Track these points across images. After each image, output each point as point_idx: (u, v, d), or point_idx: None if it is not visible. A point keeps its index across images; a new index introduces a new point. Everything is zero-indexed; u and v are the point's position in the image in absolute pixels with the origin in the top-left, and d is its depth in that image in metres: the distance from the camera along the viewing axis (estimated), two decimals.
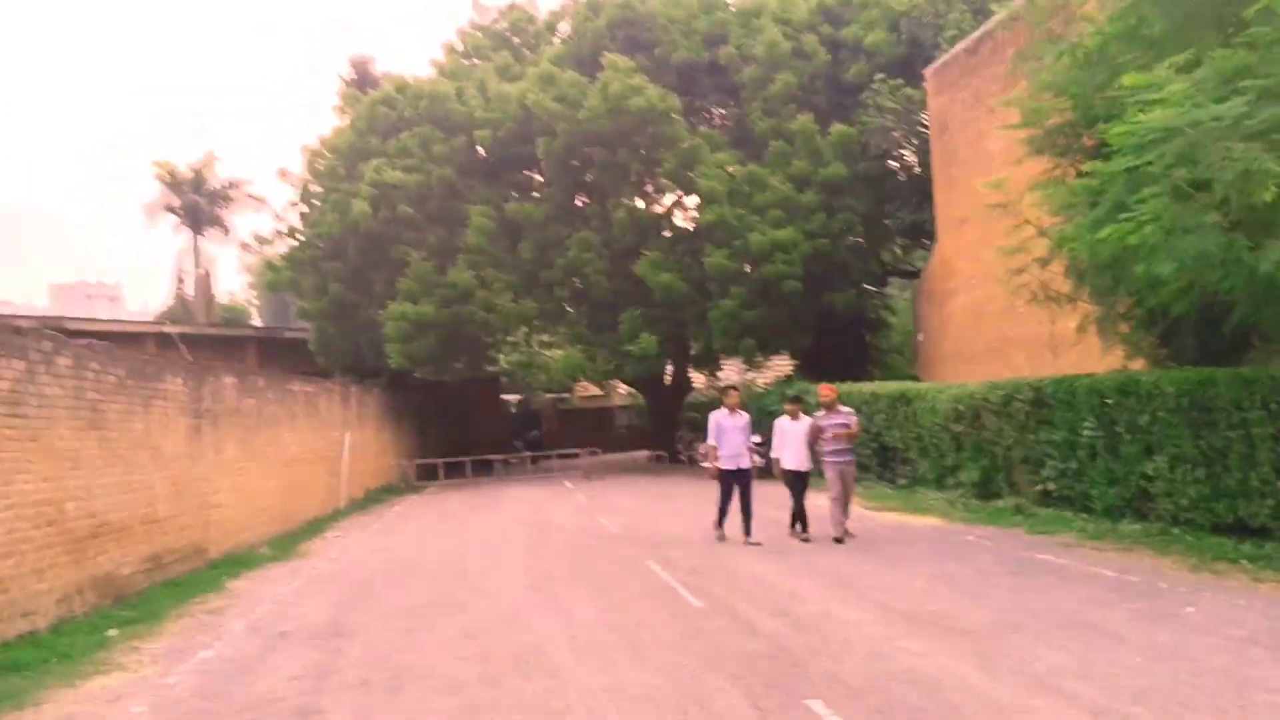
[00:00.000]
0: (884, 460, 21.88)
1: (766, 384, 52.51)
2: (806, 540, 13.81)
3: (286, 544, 16.91)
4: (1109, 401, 13.88)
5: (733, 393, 15.11)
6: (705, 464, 27.04)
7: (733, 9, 31.71)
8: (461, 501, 24.72)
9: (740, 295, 27.28)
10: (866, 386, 22.74)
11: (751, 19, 30.59)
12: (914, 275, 34.98)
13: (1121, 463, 13.69)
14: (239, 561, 14.61)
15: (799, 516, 14.38)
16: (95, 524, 10.97)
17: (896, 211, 28.00)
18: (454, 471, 31.56)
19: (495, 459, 32.60)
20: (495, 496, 25.57)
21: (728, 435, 14.20)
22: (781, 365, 50.76)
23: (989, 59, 23.32)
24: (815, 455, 14.88)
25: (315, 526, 19.62)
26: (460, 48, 35.41)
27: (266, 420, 17.83)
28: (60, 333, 10.90)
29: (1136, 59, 11.23)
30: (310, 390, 21.57)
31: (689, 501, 20.90)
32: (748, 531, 13.90)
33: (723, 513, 14.33)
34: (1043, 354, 21.57)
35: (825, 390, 15.19)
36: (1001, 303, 23.32)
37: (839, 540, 13.45)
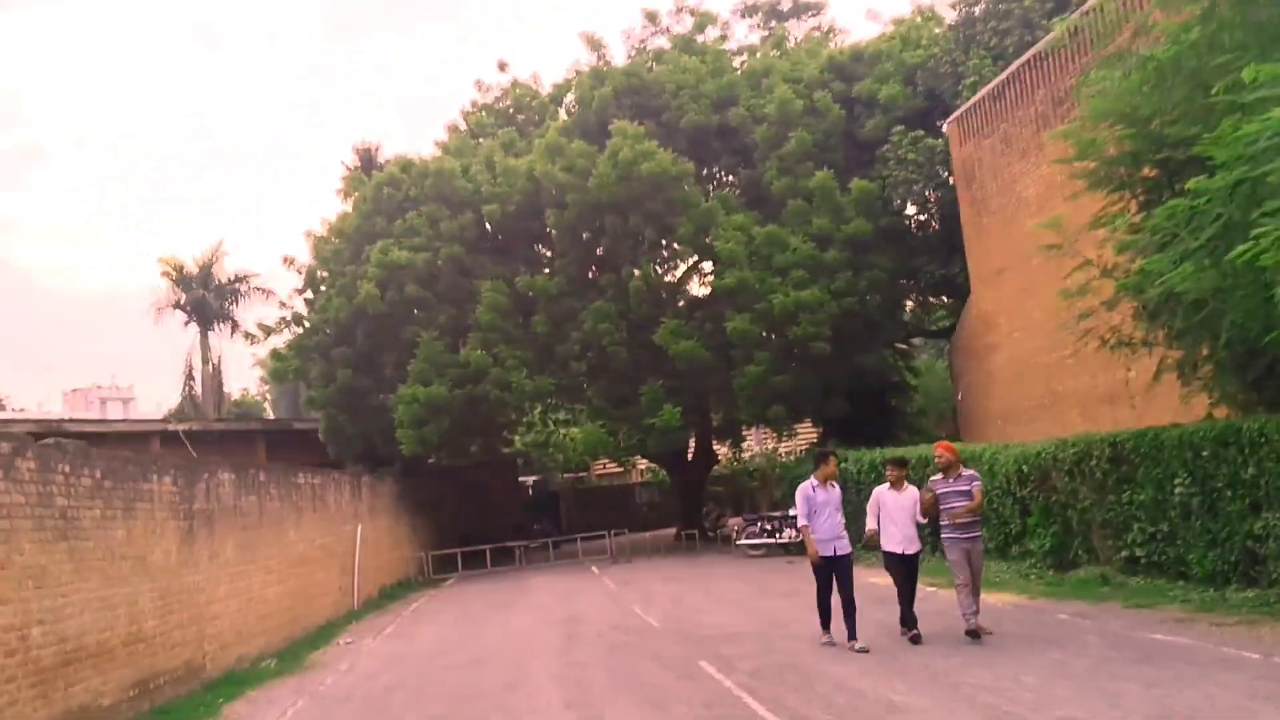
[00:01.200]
0: (936, 530, 20.26)
1: (787, 452, 51.36)
2: (917, 640, 11.00)
3: (295, 654, 15.39)
4: (1204, 454, 12.37)
5: (830, 460, 12.04)
6: (778, 546, 25.36)
7: (740, 71, 30.92)
8: (483, 596, 23.15)
9: (766, 360, 25.94)
10: (915, 450, 21.21)
11: (760, 79, 29.73)
12: (938, 335, 33.65)
13: (1222, 522, 12.16)
14: (239, 680, 13.11)
15: (908, 612, 11.38)
16: (67, 649, 9.54)
17: (924, 266, 26.74)
18: (473, 561, 29.98)
19: (515, 545, 31.01)
20: (518, 588, 23.99)
21: (822, 513, 11.48)
22: (804, 433, 49.48)
23: (1017, 101, 22.24)
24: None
25: (327, 632, 18.08)
26: (463, 127, 34.68)
27: (269, 518, 16.43)
28: (60, 436, 9.59)
29: (1223, 65, 10.00)
30: (317, 482, 20.18)
31: (730, 585, 19.32)
32: (852, 634, 11.11)
33: (824, 609, 11.65)
34: (1099, 408, 20.12)
35: (943, 451, 11.97)
36: (1050, 355, 21.99)
37: (974, 636, 10.71)
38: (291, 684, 12.91)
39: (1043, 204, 21.50)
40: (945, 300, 28.31)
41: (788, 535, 25.18)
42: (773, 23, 34.09)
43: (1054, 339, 21.71)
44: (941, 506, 11.43)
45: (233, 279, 54.72)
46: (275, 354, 32.33)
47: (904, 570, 11.52)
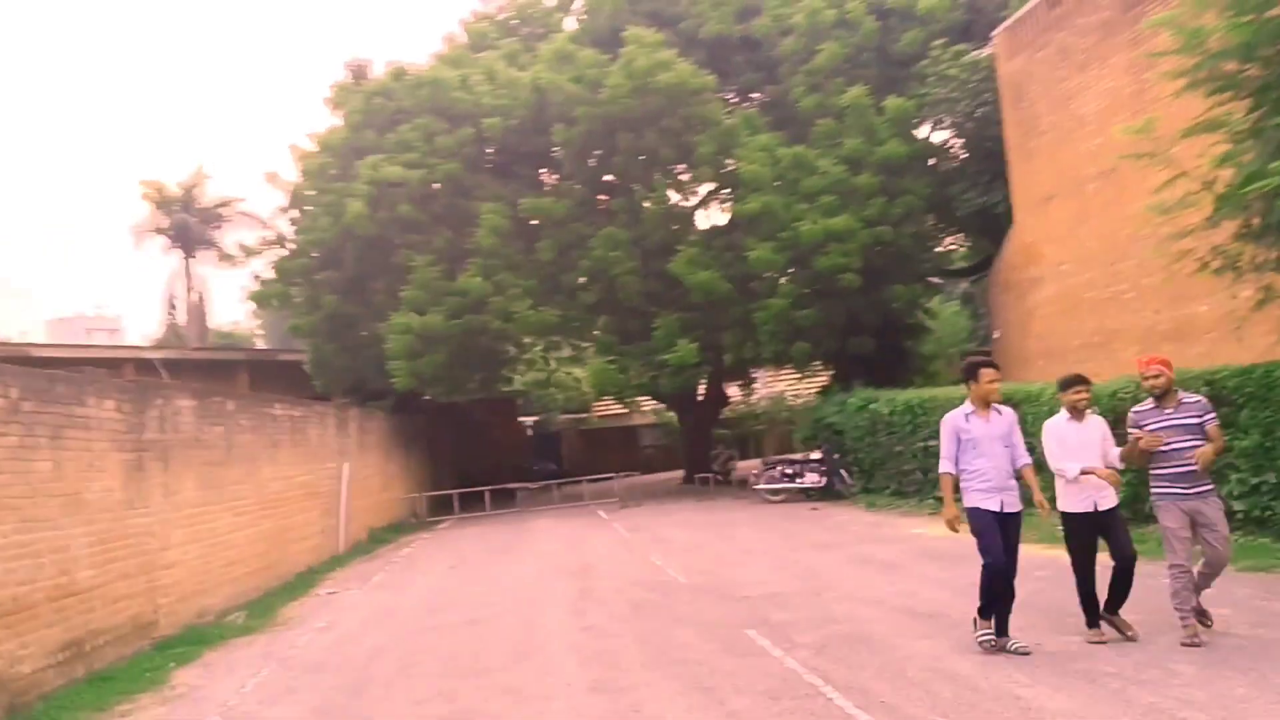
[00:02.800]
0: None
1: (795, 395, 49.50)
2: (1101, 640, 7.63)
3: (267, 606, 13.53)
4: None
5: (985, 374, 8.15)
6: (799, 491, 23.34)
7: None
8: (481, 540, 21.32)
9: (791, 293, 23.91)
10: (957, 390, 19.25)
11: None
12: (957, 274, 31.50)
13: None
14: (199, 637, 11.23)
15: (1090, 594, 7.87)
16: None
17: (962, 194, 24.59)
18: (470, 503, 28.16)
19: (516, 487, 29.15)
20: (520, 532, 22.17)
21: (979, 450, 7.88)
22: (803, 379, 47.47)
23: (1077, 8, 19.97)
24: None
25: (307, 580, 16.23)
26: (463, 39, 32.15)
27: (240, 452, 14.47)
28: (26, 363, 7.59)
29: None
30: (298, 414, 18.23)
31: (755, 534, 17.44)
32: (1003, 627, 7.78)
33: (995, 594, 7.74)
34: (1161, 346, 18.07)
35: (1160, 367, 7.85)
36: (1104, 289, 19.94)
37: (1192, 635, 7.29)
38: (259, 644, 11.04)
39: (1104, 121, 19.33)
40: (977, 235, 26.13)
41: (809, 480, 23.37)
42: None
43: (1109, 271, 19.70)
44: (1152, 447, 7.62)
45: (217, 203, 52.42)
46: (256, 278, 30.22)
47: (1093, 535, 7.84)
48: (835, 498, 22.73)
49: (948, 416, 8.25)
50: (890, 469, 21.35)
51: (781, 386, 48.81)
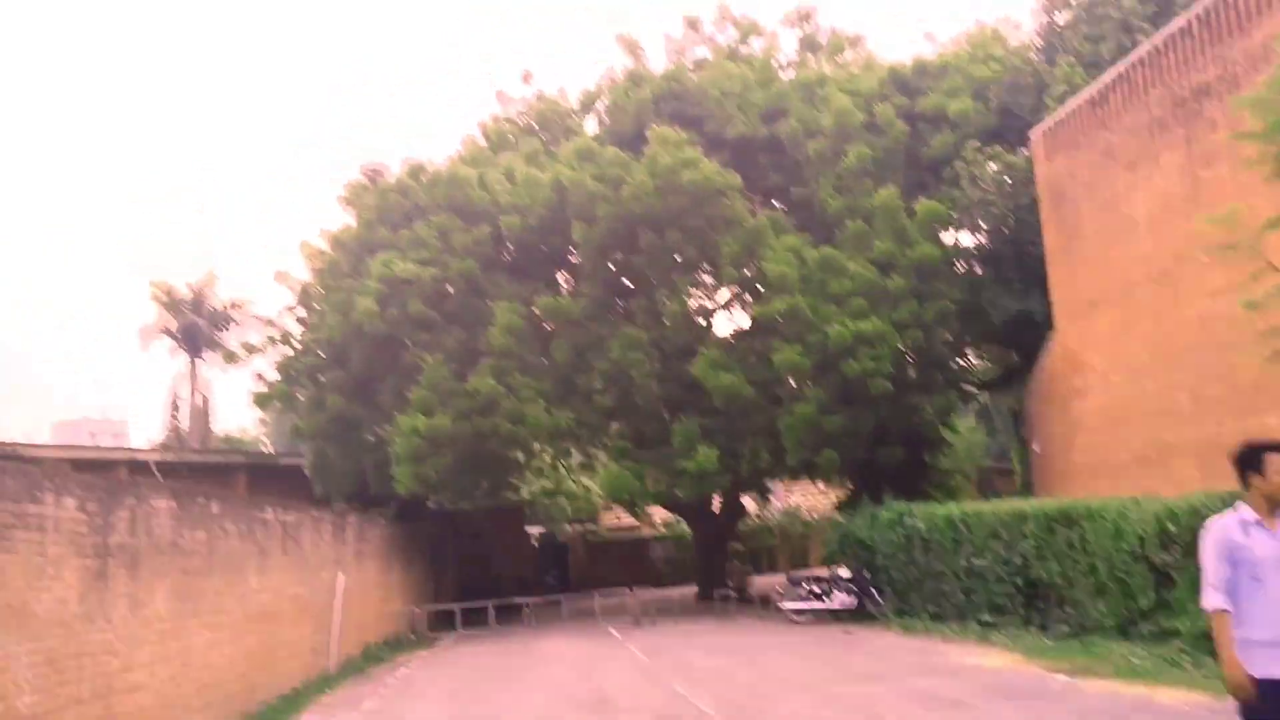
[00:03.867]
0: (1030, 600, 16.92)
1: (813, 510, 47.83)
2: None
3: None
4: None
5: None
6: (827, 612, 21.59)
7: (790, 82, 27.91)
8: (484, 661, 19.70)
9: (819, 398, 22.70)
10: (1007, 504, 17.88)
11: (814, 90, 26.76)
12: (989, 385, 30.21)
13: None
14: None
15: None
16: None
17: (998, 300, 23.55)
18: (473, 618, 26.52)
19: (523, 601, 27.49)
20: (527, 653, 20.55)
21: (1267, 584, 5.12)
22: (808, 491, 45.84)
23: (1124, 106, 19.19)
24: None
25: (292, 703, 14.65)
26: (482, 141, 31.59)
27: (224, 560, 13.11)
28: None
29: None
30: (291, 520, 16.86)
31: (787, 661, 15.87)
32: None
33: None
34: (1222, 463, 16.84)
35: None
36: (1156, 400, 18.68)
37: None
38: None
39: (1156, 223, 18.40)
40: (1011, 344, 24.94)
41: (838, 601, 21.79)
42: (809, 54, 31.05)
43: (1163, 381, 18.46)
44: None
45: (227, 305, 51.79)
46: (260, 377, 29.12)
47: None
48: (866, 619, 21.13)
49: (1214, 526, 5.36)
50: (928, 589, 19.80)
51: (796, 500, 47.25)
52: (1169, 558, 13.25)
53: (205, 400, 52.84)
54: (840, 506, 29.33)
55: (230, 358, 31.74)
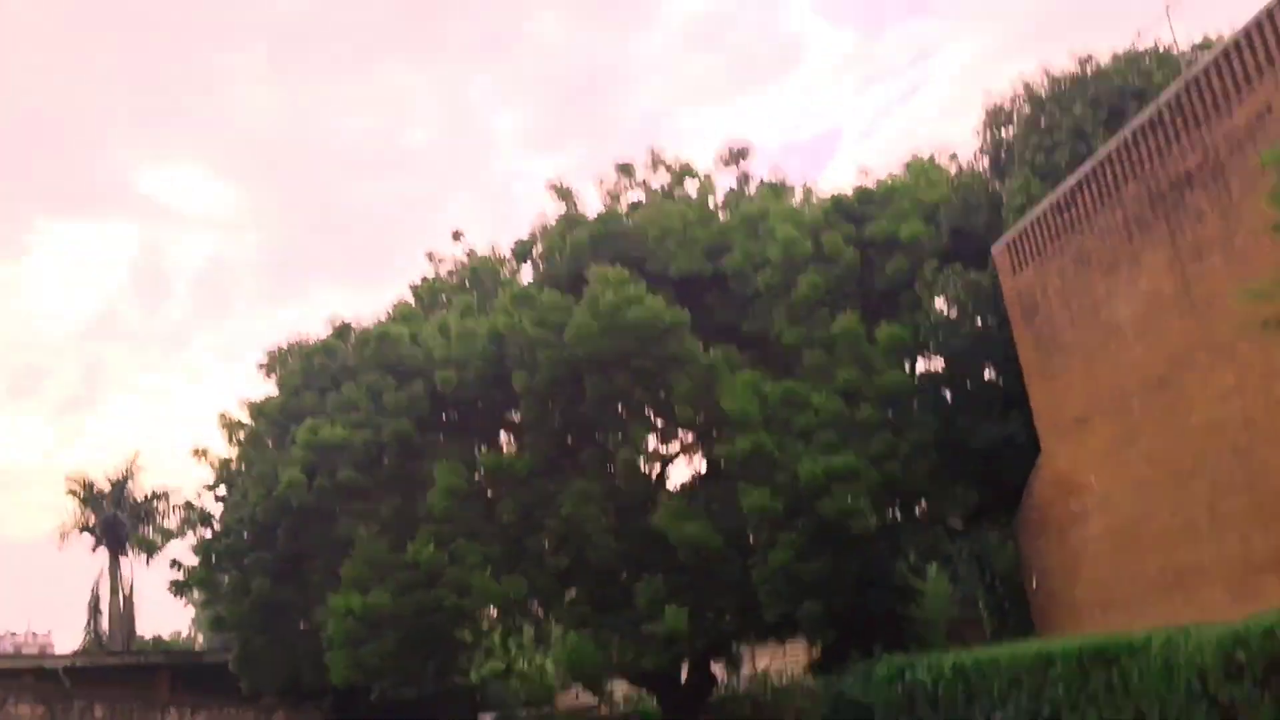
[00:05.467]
0: None
1: (779, 673, 44.93)
2: None
3: None
4: None
5: None
6: None
7: (731, 217, 26.84)
8: None
9: (793, 543, 20.73)
10: (1028, 646, 15.86)
11: (757, 224, 25.65)
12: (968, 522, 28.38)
13: None
14: None
15: None
16: None
17: (976, 426, 22.03)
18: None
19: None
20: None
21: None
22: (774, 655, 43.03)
23: (1095, 207, 18.19)
24: None
25: None
26: (413, 302, 29.92)
27: None
28: None
29: None
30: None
31: None
32: None
33: None
34: (1259, 580, 15.05)
35: None
36: (1168, 518, 17.05)
37: None
38: None
39: (1144, 327, 17.15)
40: (993, 475, 23.32)
41: None
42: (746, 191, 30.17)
43: (1173, 497, 16.86)
44: None
45: (149, 496, 48.76)
46: (174, 563, 26.43)
47: None
48: None
49: None
50: None
51: (763, 664, 44.50)
52: (1237, 692, 11.33)
53: (128, 599, 49.25)
54: (814, 668, 26.97)
55: (147, 546, 29.03)
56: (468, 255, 30.26)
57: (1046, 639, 16.44)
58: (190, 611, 52.41)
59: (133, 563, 47.67)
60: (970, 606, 39.22)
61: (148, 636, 54.78)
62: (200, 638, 59.35)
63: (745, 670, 41.93)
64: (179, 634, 62.87)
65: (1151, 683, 12.69)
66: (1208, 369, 15.79)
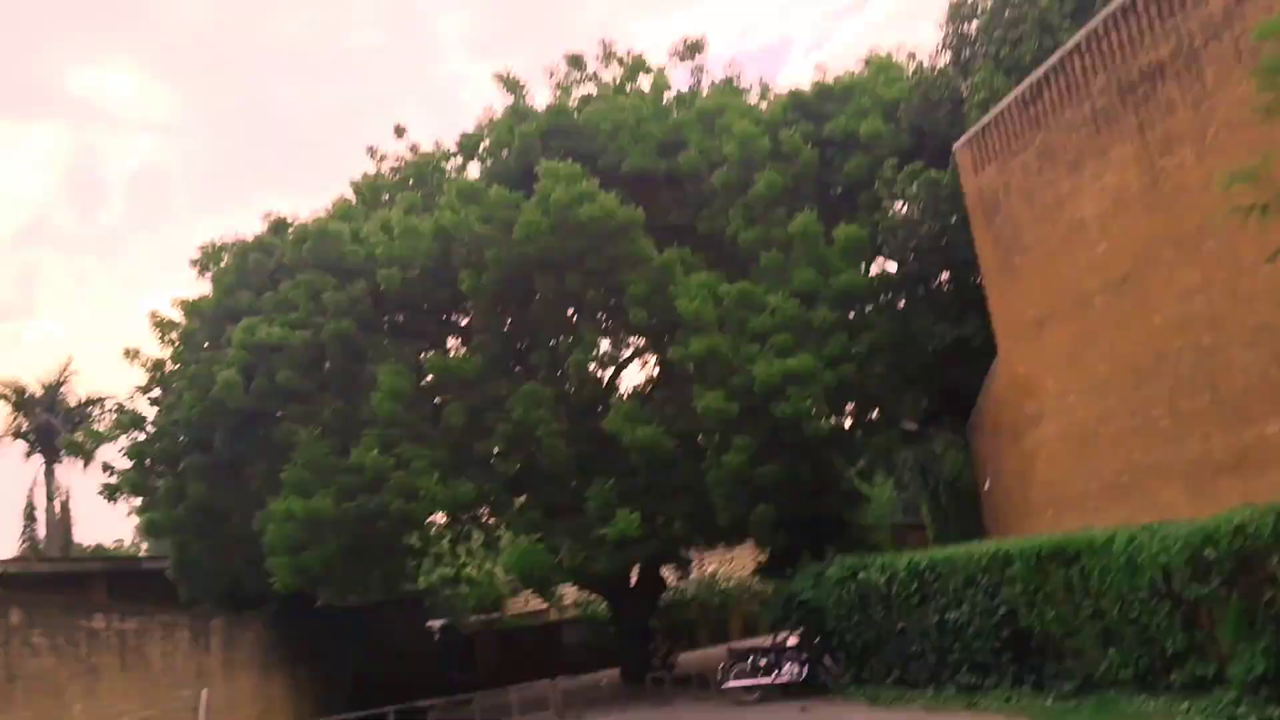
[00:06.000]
0: (1019, 655, 14.64)
1: (726, 578, 45.23)
2: None
3: None
4: None
5: None
6: (776, 688, 18.92)
7: (686, 112, 25.89)
8: None
9: (747, 447, 20.33)
10: (985, 546, 15.64)
11: (713, 119, 24.83)
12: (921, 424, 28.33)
13: None
14: None
15: None
16: None
17: (932, 327, 21.66)
18: None
19: (429, 704, 24.09)
20: None
21: None
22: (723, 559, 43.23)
23: (1062, 101, 17.54)
24: None
25: None
26: (354, 200, 28.66)
27: (30, 685, 9.98)
28: None
29: None
30: (133, 627, 13.71)
31: None
32: None
33: None
34: (1218, 481, 14.83)
35: None
36: (1126, 420, 16.86)
37: None
38: None
39: (1108, 224, 16.68)
40: (951, 374, 23.07)
41: (787, 673, 19.25)
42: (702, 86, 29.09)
43: (1133, 397, 16.56)
44: None
45: (84, 402, 47.42)
46: (105, 467, 25.48)
47: None
48: (820, 692, 18.65)
49: None
50: (890, 653, 17.43)
51: (711, 567, 44.67)
52: (1204, 590, 11.10)
53: (64, 506, 48.19)
54: (761, 571, 26.91)
55: (75, 449, 27.99)
56: (411, 151, 29.06)
57: (1000, 540, 16.17)
58: (135, 520, 51.53)
59: (69, 470, 46.71)
60: (912, 512, 39.65)
61: (88, 545, 53.76)
62: (145, 546, 58.56)
63: (693, 575, 42.15)
64: (121, 543, 61.83)
65: (1114, 581, 12.48)
66: (1173, 265, 15.38)
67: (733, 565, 44.01)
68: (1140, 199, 15.95)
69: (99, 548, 55.42)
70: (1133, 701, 12.15)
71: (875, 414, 22.08)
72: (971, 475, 28.37)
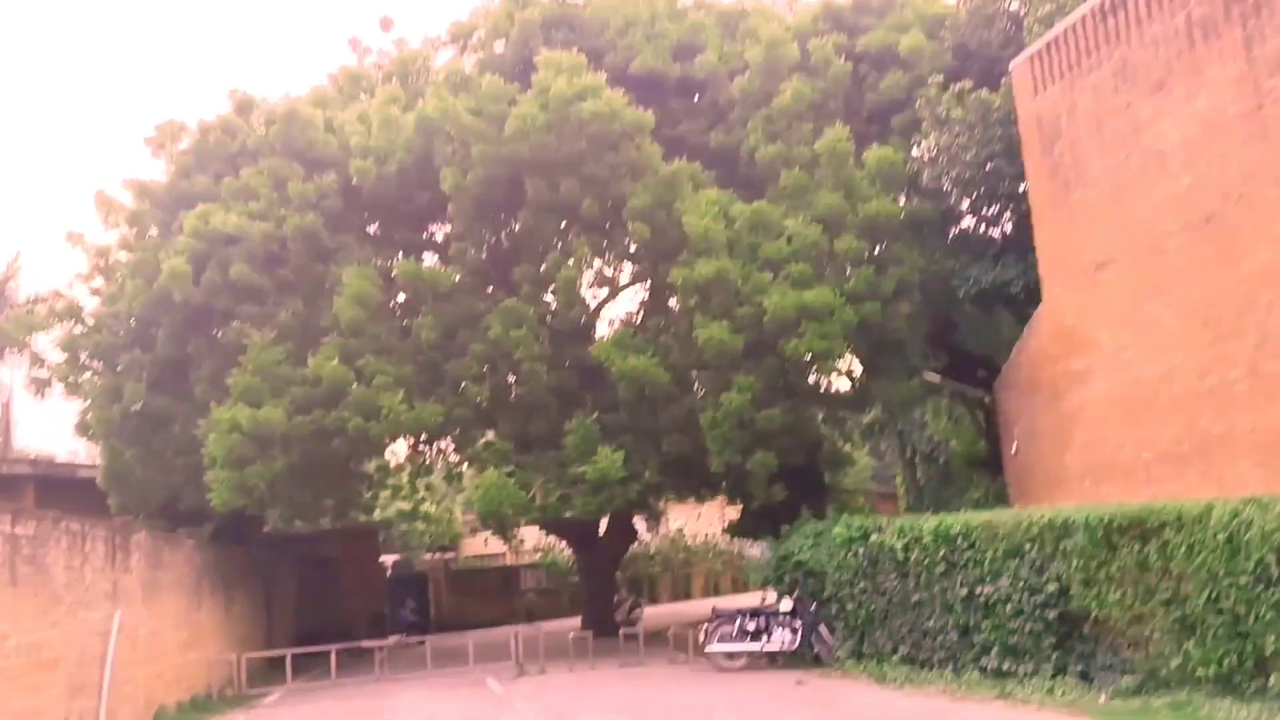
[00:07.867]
0: (1063, 640, 12.60)
1: (695, 535, 43.37)
2: None
3: None
4: None
5: None
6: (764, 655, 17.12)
7: (706, 13, 23.32)
8: None
9: (750, 387, 18.10)
10: (1039, 513, 13.47)
11: (736, 22, 22.38)
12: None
13: None
14: None
15: None
16: None
17: (967, 270, 19.42)
18: (311, 665, 21.01)
19: (374, 645, 21.94)
20: (377, 714, 15.34)
21: None
22: (689, 514, 41.29)
23: (1151, 11, 15.19)
24: None
25: None
26: (333, 90, 25.94)
27: None
28: None
29: None
30: (30, 534, 11.43)
31: None
32: None
33: None
34: None
35: None
36: (1194, 381, 14.70)
37: None
38: None
39: (1197, 154, 14.38)
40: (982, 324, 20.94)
41: (777, 640, 17.17)
42: None
43: (1207, 355, 14.46)
44: None
45: (32, 300, 44.59)
46: (36, 359, 22.98)
47: None
48: (812, 664, 16.63)
49: None
50: (899, 626, 15.37)
51: (679, 523, 42.82)
52: None
53: (5, 407, 45.59)
54: (732, 530, 24.85)
55: (2, 336, 25.43)
56: (397, 46, 26.38)
57: (1058, 508, 14.03)
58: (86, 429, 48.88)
59: (14, 371, 44.07)
60: (884, 481, 37.74)
61: (32, 454, 51.23)
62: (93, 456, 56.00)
63: (661, 529, 40.25)
64: (76, 453, 59.33)
65: (1206, 561, 10.39)
66: (1272, 204, 13.18)
67: (700, 522, 42.28)
68: (1239, 127, 13.67)
69: (40, 456, 52.90)
70: (1216, 706, 10.11)
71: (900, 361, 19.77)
72: (953, 445, 26.38)
